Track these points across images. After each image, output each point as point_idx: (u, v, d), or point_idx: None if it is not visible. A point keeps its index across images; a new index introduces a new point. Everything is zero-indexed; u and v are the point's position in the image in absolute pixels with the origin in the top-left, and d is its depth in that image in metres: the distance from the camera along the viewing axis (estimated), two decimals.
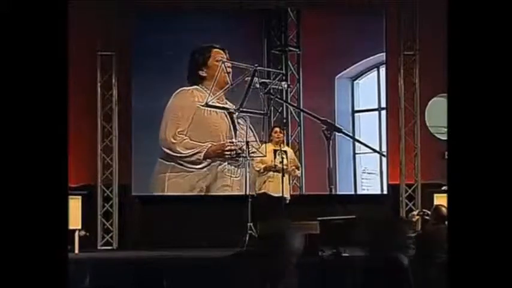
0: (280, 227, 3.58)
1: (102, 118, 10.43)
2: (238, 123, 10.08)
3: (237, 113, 10.03)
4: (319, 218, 8.00)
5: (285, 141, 9.63)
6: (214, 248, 8.79)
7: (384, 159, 10.41)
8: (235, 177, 10.11)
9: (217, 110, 10.15)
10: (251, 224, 8.65)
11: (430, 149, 10.27)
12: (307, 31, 10.61)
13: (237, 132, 10.10)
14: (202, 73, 10.16)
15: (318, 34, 10.59)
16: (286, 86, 10.28)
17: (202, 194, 10.21)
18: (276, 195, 8.93)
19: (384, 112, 10.54)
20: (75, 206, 9.13)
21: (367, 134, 10.45)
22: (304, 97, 10.49)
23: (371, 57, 10.55)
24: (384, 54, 10.48)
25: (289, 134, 10.35)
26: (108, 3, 10.27)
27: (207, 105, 10.04)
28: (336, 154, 9.73)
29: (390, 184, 10.49)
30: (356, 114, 10.63)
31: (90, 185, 10.30)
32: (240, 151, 9.82)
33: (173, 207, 10.11)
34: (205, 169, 10.17)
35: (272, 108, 10.36)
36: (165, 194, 10.20)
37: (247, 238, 8.53)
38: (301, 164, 10.00)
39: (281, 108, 10.47)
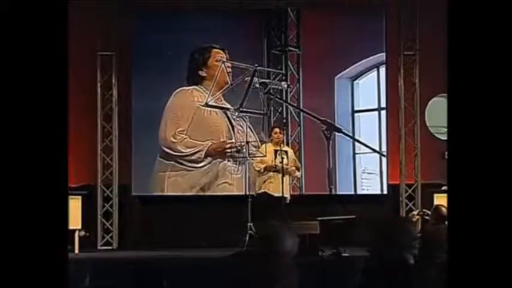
0: (274, 227, 3.58)
1: (102, 118, 10.43)
2: (237, 123, 10.08)
3: (236, 113, 10.02)
4: (319, 218, 8.00)
5: (285, 141, 9.63)
6: (214, 248, 8.80)
7: (384, 159, 10.41)
8: (236, 174, 10.10)
9: (217, 110, 10.15)
10: (251, 224, 8.65)
11: (430, 149, 10.27)
12: (307, 31, 10.61)
13: (236, 132, 10.08)
14: (202, 73, 10.16)
15: (318, 34, 10.59)
16: (286, 86, 10.28)
17: (202, 194, 10.21)
18: (276, 195, 8.92)
19: (383, 112, 10.53)
20: (75, 206, 9.13)
21: (367, 134, 10.45)
22: (304, 97, 10.49)
23: (371, 57, 10.55)
24: (384, 54, 10.48)
25: (289, 134, 10.35)
26: (108, 3, 10.27)
27: (207, 105, 10.04)
28: (335, 154, 9.74)
29: (390, 184, 10.49)
30: (356, 114, 10.63)
31: (90, 185, 10.30)
32: (240, 148, 9.81)
33: (173, 207, 10.11)
34: (205, 167, 10.17)
35: (272, 108, 10.36)
36: (165, 194, 10.20)
37: (247, 238, 8.53)
38: (301, 164, 9.99)
39: (281, 108, 10.47)
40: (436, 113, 10.34)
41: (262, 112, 10.06)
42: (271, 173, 9.04)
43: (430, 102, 10.48)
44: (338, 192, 9.70)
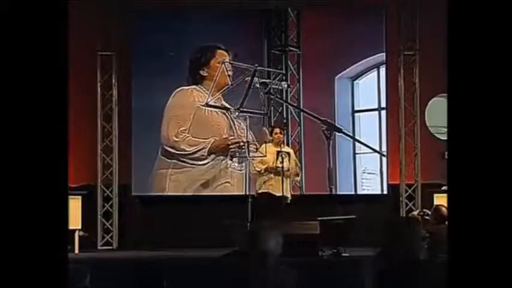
0: (258, 227, 3.60)
1: (102, 118, 10.44)
2: (238, 123, 10.07)
3: (236, 113, 10.02)
4: (319, 218, 8.00)
5: (285, 141, 9.63)
6: (214, 248, 8.80)
7: (384, 159, 10.41)
8: (239, 170, 10.07)
9: (218, 110, 10.15)
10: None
11: (430, 149, 10.27)
12: (307, 31, 10.62)
13: (237, 130, 10.07)
14: (203, 73, 10.15)
15: (318, 34, 10.59)
16: (286, 86, 10.28)
17: (203, 193, 10.21)
18: (277, 194, 8.92)
19: (383, 112, 10.54)
20: (75, 206, 9.14)
21: (367, 134, 10.46)
22: (304, 97, 10.49)
23: (371, 57, 10.55)
24: (383, 54, 10.48)
25: (289, 134, 10.35)
26: (108, 3, 10.27)
27: (207, 105, 10.04)
28: (336, 154, 9.74)
29: (390, 184, 10.50)
30: (356, 114, 10.63)
31: (90, 185, 10.30)
32: (242, 143, 9.81)
33: (173, 207, 10.11)
34: (208, 165, 10.17)
35: (272, 108, 10.36)
36: (165, 194, 10.20)
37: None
38: (301, 164, 10.00)
39: (281, 108, 10.47)
40: (436, 113, 10.34)
41: (262, 112, 10.06)
42: (272, 174, 9.04)
43: (430, 102, 10.48)
44: (338, 192, 9.70)
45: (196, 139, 10.11)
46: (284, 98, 10.32)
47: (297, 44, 10.59)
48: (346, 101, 10.62)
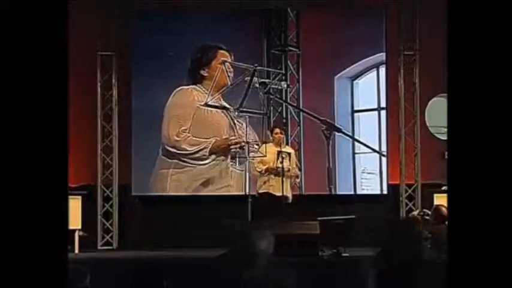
0: (249, 228, 3.61)
1: (102, 118, 10.44)
2: (238, 122, 10.07)
3: (236, 113, 10.02)
4: (319, 218, 8.00)
5: (285, 141, 9.62)
6: (214, 248, 8.79)
7: (384, 159, 10.41)
8: (240, 170, 10.06)
9: (218, 110, 10.15)
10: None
11: (430, 149, 10.27)
12: (307, 31, 10.61)
13: (238, 129, 10.07)
14: (204, 73, 10.15)
15: (318, 34, 10.59)
16: (285, 85, 10.27)
17: (203, 193, 10.21)
18: (278, 194, 8.92)
19: (383, 112, 10.53)
20: (75, 206, 9.14)
21: (367, 134, 10.45)
22: (303, 97, 10.49)
23: (371, 57, 10.54)
24: (383, 54, 10.48)
25: (289, 134, 10.34)
26: (108, 3, 10.27)
27: (206, 105, 10.04)
28: (335, 154, 9.73)
29: (390, 184, 10.49)
30: (356, 114, 10.63)
31: (90, 185, 10.30)
32: (243, 143, 9.81)
33: (173, 207, 10.11)
34: (209, 165, 10.17)
35: (272, 108, 10.35)
36: (165, 194, 10.20)
37: None
38: (301, 164, 10.00)
39: (281, 108, 10.47)
40: (436, 113, 10.34)
41: (262, 112, 10.05)
42: (272, 174, 9.04)
43: (430, 102, 10.48)
44: (338, 192, 9.69)
45: (198, 139, 10.11)
46: (284, 98, 10.31)
47: (296, 44, 10.59)
48: (345, 101, 10.62)
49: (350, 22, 10.61)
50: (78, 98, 9.32)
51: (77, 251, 9.29)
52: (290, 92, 10.45)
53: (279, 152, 8.90)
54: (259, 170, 9.11)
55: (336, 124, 8.97)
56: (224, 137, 10.10)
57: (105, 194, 10.41)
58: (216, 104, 10.09)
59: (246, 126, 9.60)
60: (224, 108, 10.12)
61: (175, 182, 10.17)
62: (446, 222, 6.50)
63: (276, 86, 10.21)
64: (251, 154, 9.30)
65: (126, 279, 4.56)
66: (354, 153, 10.51)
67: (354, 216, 8.27)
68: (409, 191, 10.54)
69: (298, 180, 9.68)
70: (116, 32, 10.31)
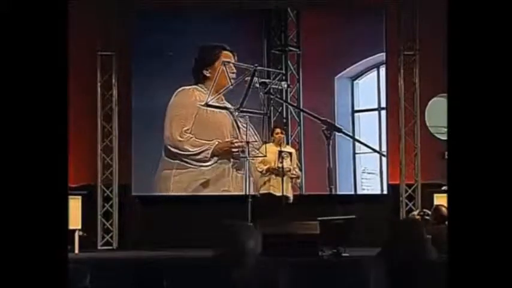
0: (236, 227, 3.59)
1: (102, 118, 10.44)
2: (240, 122, 10.07)
3: (236, 113, 10.02)
4: (319, 218, 7.99)
5: (285, 141, 9.62)
6: (214, 248, 8.77)
7: (384, 159, 10.41)
8: (242, 174, 10.06)
9: (221, 110, 10.14)
10: (251, 224, 8.62)
11: (430, 149, 10.28)
12: (307, 31, 10.62)
13: (241, 131, 10.07)
14: (207, 73, 10.16)
15: (318, 34, 10.59)
16: (286, 85, 10.27)
17: (203, 193, 10.21)
18: (279, 194, 8.93)
19: (383, 112, 10.54)
20: (75, 206, 9.13)
21: (367, 134, 10.45)
22: (304, 97, 10.49)
23: (371, 57, 10.55)
24: (383, 54, 10.49)
25: (289, 134, 10.35)
26: (108, 3, 10.28)
27: (206, 105, 10.04)
28: (336, 154, 9.74)
29: (390, 184, 10.50)
30: (356, 114, 10.63)
31: (90, 185, 10.30)
32: (246, 147, 9.81)
33: (173, 207, 10.11)
34: (211, 167, 10.17)
35: (272, 108, 10.36)
36: (165, 194, 10.20)
37: None
38: (301, 164, 10.00)
39: (281, 108, 10.47)
40: (436, 113, 10.34)
41: (262, 112, 10.05)
42: (273, 174, 9.04)
43: (430, 102, 10.48)
44: (338, 192, 9.70)
45: (200, 140, 10.11)
46: (284, 98, 10.32)
47: (296, 44, 10.59)
48: (346, 101, 10.62)
49: (350, 22, 10.61)
50: (78, 98, 9.33)
51: (77, 251, 9.29)
52: (290, 92, 10.46)
53: (280, 152, 8.90)
54: (260, 170, 9.12)
55: (336, 124, 8.97)
56: (227, 139, 10.10)
57: (105, 194, 10.41)
58: (217, 104, 10.09)
59: (247, 126, 9.60)
60: (224, 108, 10.11)
61: (178, 183, 10.17)
62: (446, 222, 6.50)
63: (276, 86, 10.22)
64: (251, 154, 9.31)
65: (126, 279, 4.56)
66: (354, 153, 10.51)
67: (354, 216, 8.27)
68: (409, 191, 10.54)
69: (299, 180, 9.68)
70: (116, 32, 10.31)
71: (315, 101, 10.30)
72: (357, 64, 10.61)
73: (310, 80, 10.54)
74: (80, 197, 9.40)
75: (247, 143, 9.44)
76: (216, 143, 10.10)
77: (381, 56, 10.51)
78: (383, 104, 10.55)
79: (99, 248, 10.19)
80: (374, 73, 10.67)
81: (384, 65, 10.53)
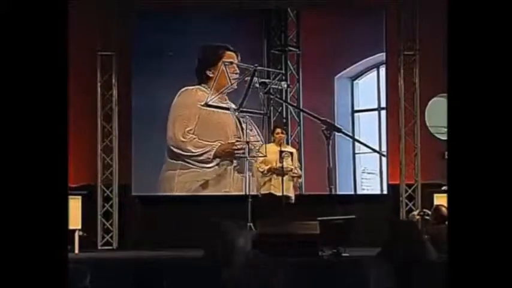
0: (225, 227, 3.57)
1: (102, 118, 10.44)
2: (245, 123, 10.07)
3: (236, 113, 10.01)
4: (319, 218, 7.99)
5: (286, 141, 9.63)
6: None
7: (384, 159, 10.41)
8: (244, 175, 10.06)
9: (224, 110, 10.14)
10: (251, 224, 8.65)
11: (430, 149, 10.28)
12: (307, 31, 10.62)
13: (244, 131, 10.07)
14: (210, 73, 10.15)
15: (318, 34, 10.59)
16: (286, 85, 10.27)
17: (203, 193, 10.21)
18: (280, 194, 8.93)
19: (383, 112, 10.54)
20: (75, 206, 9.14)
21: (367, 134, 10.45)
22: (303, 97, 10.49)
23: (371, 57, 10.55)
24: (383, 54, 10.48)
25: (289, 134, 10.34)
26: (108, 3, 10.28)
27: (207, 105, 10.04)
28: (335, 154, 9.74)
29: (390, 184, 10.50)
30: (356, 114, 10.63)
31: (90, 185, 10.30)
32: (249, 150, 9.82)
33: (173, 207, 10.11)
34: (214, 168, 10.17)
35: (272, 108, 10.35)
36: (165, 194, 10.20)
37: None
38: (301, 163, 10.00)
39: (281, 108, 10.47)
40: (436, 113, 10.34)
41: (262, 112, 10.05)
42: (275, 175, 9.04)
43: (430, 102, 10.48)
44: (338, 192, 9.70)
45: (203, 141, 10.11)
46: (284, 98, 10.32)
47: (296, 44, 10.59)
48: (345, 101, 10.62)
49: (350, 22, 10.61)
50: (78, 98, 9.33)
51: (77, 251, 9.29)
52: (290, 92, 10.46)
53: (281, 152, 8.91)
54: (261, 170, 9.13)
55: (336, 124, 8.96)
56: (230, 140, 10.10)
57: (105, 194, 10.41)
58: (217, 104, 10.09)
59: (246, 126, 9.61)
60: (224, 108, 10.11)
61: (181, 184, 10.17)
62: (446, 222, 6.50)
63: (276, 86, 10.22)
64: (252, 154, 9.31)
65: (126, 279, 4.56)
66: (354, 153, 10.51)
67: (354, 216, 8.27)
68: (409, 191, 10.54)
69: (300, 180, 9.68)
70: (116, 32, 10.31)
71: (314, 101, 10.30)
72: (357, 64, 10.61)
73: (310, 80, 10.54)
74: (80, 197, 9.40)
75: (247, 142, 9.44)
76: (219, 144, 10.10)
77: (381, 56, 10.51)
78: (383, 104, 10.55)
79: (99, 248, 10.19)
80: (374, 73, 10.67)
81: (384, 65, 10.53)
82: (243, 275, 3.44)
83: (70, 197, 7.73)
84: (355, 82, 10.68)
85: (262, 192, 9.12)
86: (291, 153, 9.15)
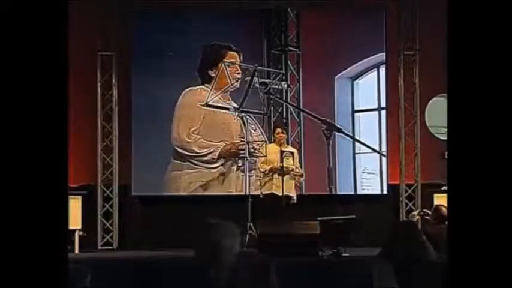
0: (214, 226, 3.56)
1: (102, 118, 10.44)
2: (249, 123, 10.07)
3: (236, 113, 10.01)
4: (319, 218, 8.00)
5: (285, 141, 9.63)
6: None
7: (384, 159, 10.41)
8: (249, 175, 10.05)
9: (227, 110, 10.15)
10: (251, 224, 8.65)
11: (430, 149, 10.28)
12: (307, 31, 10.62)
13: (246, 131, 10.07)
14: (212, 73, 10.16)
15: (318, 34, 10.59)
16: (286, 85, 10.28)
17: (203, 193, 10.21)
18: (281, 194, 8.94)
19: (383, 112, 10.54)
20: (75, 206, 9.14)
21: (367, 134, 10.46)
22: (304, 97, 10.50)
23: (371, 57, 10.55)
24: (383, 54, 10.49)
25: (289, 134, 10.34)
26: (108, 3, 10.28)
27: (207, 105, 10.04)
28: (335, 154, 9.74)
29: (390, 184, 10.50)
30: (356, 114, 10.63)
31: (90, 185, 10.31)
32: (252, 150, 9.83)
33: (173, 207, 10.11)
34: (218, 168, 10.17)
35: (272, 108, 10.36)
36: (165, 194, 10.20)
37: (247, 238, 8.53)
38: (301, 163, 10.00)
39: (281, 108, 10.48)
40: (436, 113, 10.35)
41: (262, 112, 10.06)
42: (276, 175, 9.05)
43: (430, 102, 10.49)
44: (338, 192, 9.70)
45: (207, 142, 10.11)
46: (284, 98, 10.32)
47: (296, 43, 10.60)
48: (346, 101, 10.63)
49: (350, 22, 10.62)
50: (78, 98, 9.34)
51: (77, 251, 9.29)
52: (290, 92, 10.46)
53: (282, 152, 8.91)
54: (263, 170, 9.14)
55: (336, 124, 8.97)
56: (235, 139, 10.09)
57: (105, 194, 10.41)
58: (217, 104, 10.09)
59: (246, 126, 9.61)
60: (224, 108, 10.11)
61: (185, 184, 10.17)
62: (446, 222, 6.50)
63: (276, 86, 10.22)
64: (253, 154, 9.32)
65: (126, 279, 4.55)
66: (354, 153, 10.51)
67: (354, 216, 8.27)
68: (409, 191, 10.54)
69: (302, 179, 9.68)
70: (116, 32, 10.32)
71: (314, 101, 10.30)
72: (357, 64, 10.61)
73: (310, 80, 10.54)
74: (80, 197, 9.41)
75: (247, 143, 9.44)
76: (223, 144, 10.11)
77: (381, 56, 10.51)
78: (383, 104, 10.56)
79: (99, 248, 10.20)
80: (374, 73, 10.67)
81: (384, 65, 10.53)
82: (233, 275, 3.43)
83: (70, 197, 7.72)
84: (355, 82, 10.69)
85: (264, 192, 9.13)
86: (292, 153, 9.16)
